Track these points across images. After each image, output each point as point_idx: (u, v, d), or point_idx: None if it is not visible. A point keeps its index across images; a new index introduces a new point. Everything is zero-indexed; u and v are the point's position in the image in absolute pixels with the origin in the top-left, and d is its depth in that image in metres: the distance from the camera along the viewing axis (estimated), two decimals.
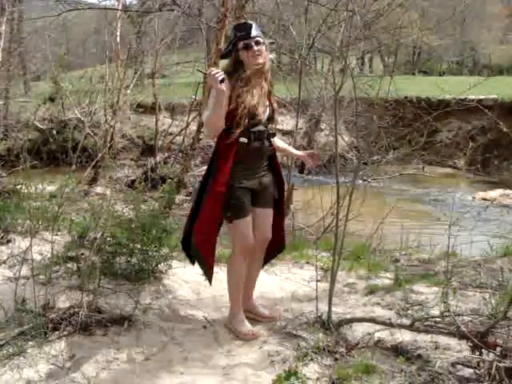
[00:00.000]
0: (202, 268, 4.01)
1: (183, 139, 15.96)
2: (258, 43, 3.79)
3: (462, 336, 3.40)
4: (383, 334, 3.88)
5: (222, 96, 3.67)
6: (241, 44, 3.80)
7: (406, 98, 17.48)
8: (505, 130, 5.25)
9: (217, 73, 3.62)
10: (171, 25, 18.70)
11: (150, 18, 16.80)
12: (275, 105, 4.04)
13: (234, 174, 3.84)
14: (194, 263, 4.15)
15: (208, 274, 3.99)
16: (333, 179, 4.29)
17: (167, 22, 18.64)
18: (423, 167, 14.69)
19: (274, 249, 4.24)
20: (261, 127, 3.88)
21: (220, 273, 4.98)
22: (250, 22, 3.96)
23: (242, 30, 3.81)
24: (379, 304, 4.60)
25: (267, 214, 4.06)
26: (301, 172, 16.27)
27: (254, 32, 3.80)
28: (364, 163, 7.41)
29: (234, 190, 3.84)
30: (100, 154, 12.51)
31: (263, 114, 3.89)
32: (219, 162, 3.85)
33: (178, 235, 4.82)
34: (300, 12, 10.28)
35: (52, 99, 17.29)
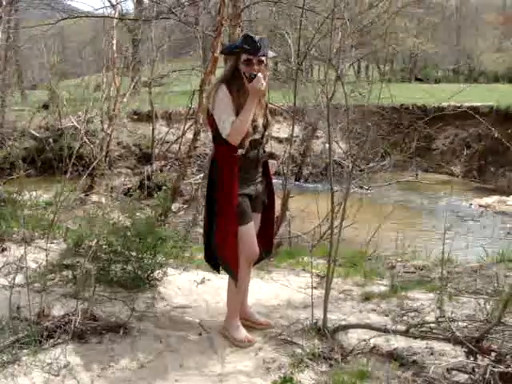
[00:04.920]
0: (231, 276, 3.99)
1: (179, 147, 15.97)
2: (260, 62, 3.79)
3: (456, 341, 3.40)
4: (378, 340, 3.88)
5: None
6: (244, 57, 3.79)
7: (402, 105, 17.54)
8: (496, 135, 5.26)
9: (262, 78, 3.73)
10: (168, 33, 18.74)
11: (146, 27, 16.82)
12: (269, 117, 4.11)
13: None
14: (219, 271, 4.28)
15: (236, 279, 3.96)
16: (329, 186, 4.30)
17: (164, 30, 18.67)
18: (417, 174, 14.72)
19: (262, 252, 4.21)
20: (256, 135, 3.92)
21: (215, 279, 4.99)
22: (260, 38, 3.84)
23: (250, 45, 3.76)
24: (375, 310, 4.61)
25: (256, 220, 4.08)
26: (297, 179, 16.32)
27: (261, 51, 3.77)
28: (360, 170, 7.43)
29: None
30: (95, 162, 12.50)
31: (259, 122, 3.93)
32: (224, 173, 3.88)
33: (173, 243, 4.83)
34: (296, 20, 10.31)
35: (46, 106, 17.29)
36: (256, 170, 4.03)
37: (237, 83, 3.81)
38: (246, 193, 3.92)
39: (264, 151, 4.07)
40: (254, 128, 3.86)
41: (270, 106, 4.23)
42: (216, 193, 3.94)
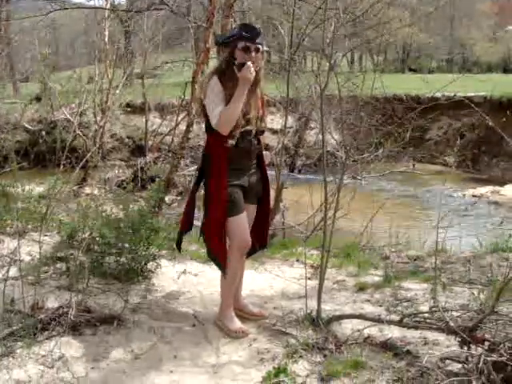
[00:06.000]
0: (219, 268, 4.01)
1: (172, 139, 15.93)
2: (257, 50, 3.79)
3: (450, 331, 3.41)
4: (372, 330, 3.89)
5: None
6: (241, 44, 3.78)
7: (395, 95, 17.50)
8: (490, 123, 5.25)
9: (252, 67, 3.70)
10: (160, 24, 18.65)
11: (138, 18, 16.75)
12: (266, 111, 4.12)
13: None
14: (180, 251, 4.35)
15: (224, 271, 3.97)
16: (322, 177, 4.30)
17: (156, 21, 18.58)
18: (413, 164, 14.72)
19: (257, 244, 4.21)
20: (248, 127, 3.91)
21: (209, 270, 4.99)
22: (258, 28, 3.89)
23: (249, 32, 3.78)
24: (369, 301, 4.62)
25: (250, 212, 4.08)
26: (291, 170, 16.32)
27: (259, 39, 3.79)
28: (354, 161, 7.41)
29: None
30: (89, 154, 12.47)
31: (253, 114, 3.92)
32: (215, 164, 3.88)
33: (167, 234, 4.82)
34: (288, 10, 10.27)
35: (38, 99, 17.20)
36: (249, 162, 4.02)
37: (229, 74, 3.79)
38: (237, 183, 3.90)
39: (258, 142, 4.06)
40: (247, 120, 3.86)
41: (264, 97, 4.21)
42: (206, 182, 3.95)
